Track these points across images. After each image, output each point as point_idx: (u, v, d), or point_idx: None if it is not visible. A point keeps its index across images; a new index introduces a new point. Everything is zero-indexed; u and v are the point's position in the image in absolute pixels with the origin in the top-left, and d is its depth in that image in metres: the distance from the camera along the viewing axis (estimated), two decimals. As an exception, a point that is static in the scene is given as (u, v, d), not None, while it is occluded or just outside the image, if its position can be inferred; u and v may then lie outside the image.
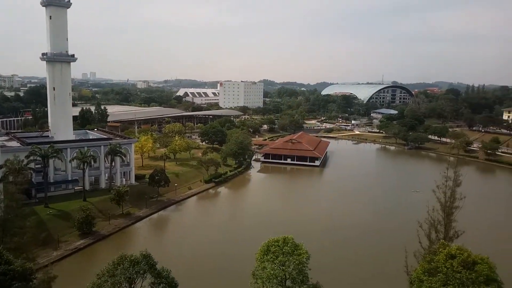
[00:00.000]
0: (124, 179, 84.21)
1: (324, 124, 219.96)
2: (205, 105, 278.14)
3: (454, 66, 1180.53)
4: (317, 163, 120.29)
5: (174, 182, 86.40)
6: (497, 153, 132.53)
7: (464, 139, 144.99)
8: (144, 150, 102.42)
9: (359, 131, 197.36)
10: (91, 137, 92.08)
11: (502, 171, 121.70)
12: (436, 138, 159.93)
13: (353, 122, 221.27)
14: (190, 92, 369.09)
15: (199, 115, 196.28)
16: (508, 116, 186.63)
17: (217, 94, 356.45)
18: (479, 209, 76.58)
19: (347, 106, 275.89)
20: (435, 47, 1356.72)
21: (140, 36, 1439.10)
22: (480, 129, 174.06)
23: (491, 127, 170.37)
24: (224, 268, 53.05)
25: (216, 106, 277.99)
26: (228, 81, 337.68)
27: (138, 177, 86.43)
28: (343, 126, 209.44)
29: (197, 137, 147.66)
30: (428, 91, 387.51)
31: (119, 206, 70.63)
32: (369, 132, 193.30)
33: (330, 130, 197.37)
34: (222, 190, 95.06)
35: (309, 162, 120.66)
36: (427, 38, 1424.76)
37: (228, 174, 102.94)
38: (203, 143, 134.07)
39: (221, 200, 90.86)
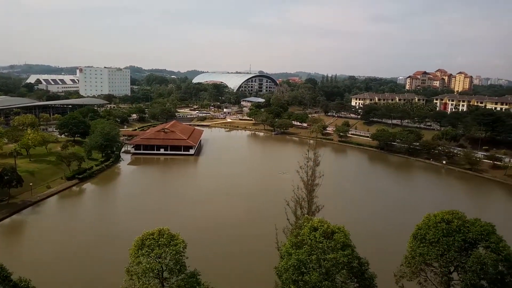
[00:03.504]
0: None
1: (196, 112, 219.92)
2: (63, 94, 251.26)
3: (311, 58, 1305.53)
4: (191, 151, 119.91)
5: (29, 181, 75.99)
6: (347, 135, 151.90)
7: (321, 124, 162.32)
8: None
9: (231, 119, 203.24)
10: None
11: (352, 150, 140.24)
12: (298, 123, 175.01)
13: (225, 110, 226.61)
14: (44, 79, 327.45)
15: (56, 104, 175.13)
16: (356, 103, 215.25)
17: (77, 81, 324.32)
18: (335, 184, 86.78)
19: (218, 94, 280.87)
20: (293, 39, 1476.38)
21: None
22: (334, 114, 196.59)
23: (343, 113, 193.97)
24: (95, 268, 49.15)
25: (76, 94, 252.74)
26: (89, 66, 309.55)
27: (-20, 179, 73.22)
28: (216, 115, 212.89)
29: (54, 130, 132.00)
30: (290, 81, 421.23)
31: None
32: (240, 119, 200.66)
33: (203, 119, 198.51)
34: (88, 186, 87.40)
35: (183, 151, 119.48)
36: (285, 30, 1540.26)
37: (94, 168, 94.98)
38: (62, 135, 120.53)
39: (87, 197, 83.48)
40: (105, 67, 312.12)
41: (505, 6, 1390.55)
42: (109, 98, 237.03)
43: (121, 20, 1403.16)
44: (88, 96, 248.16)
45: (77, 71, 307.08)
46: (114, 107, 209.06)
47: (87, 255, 53.03)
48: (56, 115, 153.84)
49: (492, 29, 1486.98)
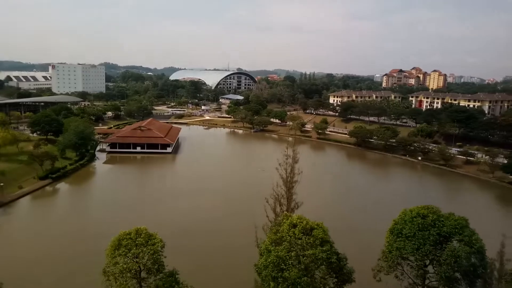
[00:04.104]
0: None
1: (174, 109, 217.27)
2: (35, 91, 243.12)
3: (289, 55, 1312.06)
4: (169, 149, 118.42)
5: (0, 182, 73.26)
6: (326, 132, 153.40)
7: (300, 121, 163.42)
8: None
9: (209, 116, 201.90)
10: None
11: (330, 147, 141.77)
12: (277, 121, 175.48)
13: (203, 107, 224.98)
14: (15, 76, 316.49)
15: (27, 102, 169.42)
16: (334, 100, 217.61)
17: (49, 78, 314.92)
18: (313, 180, 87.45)
19: (196, 91, 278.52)
20: (270, 36, 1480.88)
21: None
22: (313, 111, 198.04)
23: (321, 110, 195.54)
24: (69, 269, 47.83)
25: (48, 92, 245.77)
26: (62, 63, 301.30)
27: None
28: (194, 112, 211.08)
29: (25, 128, 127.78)
30: (269, 78, 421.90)
31: None
32: (218, 117, 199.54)
33: (181, 116, 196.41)
34: (62, 186, 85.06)
35: (160, 149, 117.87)
36: (262, 27, 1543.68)
37: (68, 168, 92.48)
38: (34, 134, 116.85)
39: (61, 197, 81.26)
40: (78, 64, 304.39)
41: (477, 6, 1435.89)
42: (83, 95, 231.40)
43: (95, 14, 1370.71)
44: (61, 94, 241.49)
45: (50, 68, 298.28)
46: (88, 104, 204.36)
47: (60, 256, 51.60)
48: (28, 113, 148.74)
49: (465, 28, 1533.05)
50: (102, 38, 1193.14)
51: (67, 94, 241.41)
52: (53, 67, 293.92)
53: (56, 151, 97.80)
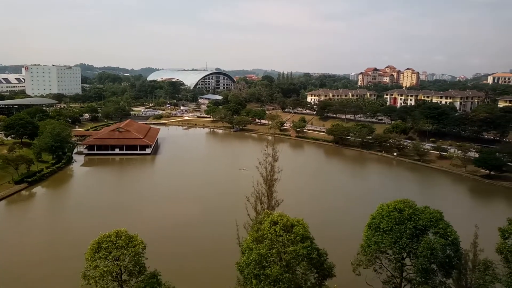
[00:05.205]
0: None
1: (148, 110, 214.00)
2: (8, 93, 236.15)
3: (267, 55, 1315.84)
4: (148, 150, 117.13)
5: (-29, 187, 71.03)
6: (304, 130, 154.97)
7: (279, 120, 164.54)
8: None
9: (188, 116, 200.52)
10: None
11: (309, 145, 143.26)
12: (256, 120, 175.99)
13: (182, 108, 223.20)
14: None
15: (0, 105, 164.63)
16: (311, 99, 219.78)
17: (23, 80, 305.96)
18: (293, 178, 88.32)
19: (174, 92, 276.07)
20: (246, 36, 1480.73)
21: None
22: (291, 110, 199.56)
23: (299, 109, 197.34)
24: (47, 274, 46.86)
25: (22, 94, 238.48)
26: (36, 65, 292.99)
27: None
28: (173, 113, 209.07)
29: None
30: (247, 78, 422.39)
31: None
32: (198, 117, 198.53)
33: (159, 117, 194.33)
34: (39, 190, 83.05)
35: (139, 150, 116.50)
36: (238, 27, 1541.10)
37: (45, 171, 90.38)
38: (8, 137, 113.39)
39: (38, 201, 79.26)
40: (53, 65, 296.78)
41: (447, 4, 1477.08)
42: (59, 97, 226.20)
43: (69, 15, 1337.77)
44: (36, 96, 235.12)
45: (23, 69, 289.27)
46: (64, 106, 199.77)
47: (37, 262, 50.37)
48: (1, 116, 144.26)
49: (436, 27, 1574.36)
50: (77, 39, 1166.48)
51: (42, 96, 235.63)
52: (27, 68, 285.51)
53: (32, 154, 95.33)
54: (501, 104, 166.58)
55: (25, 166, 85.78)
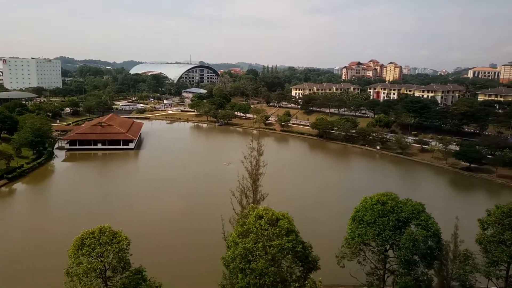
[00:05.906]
0: None
1: (129, 105, 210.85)
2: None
3: (251, 49, 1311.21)
4: (131, 145, 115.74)
5: None
6: (289, 124, 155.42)
7: (264, 114, 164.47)
8: None
9: (172, 110, 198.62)
10: None
11: (294, 139, 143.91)
12: (241, 114, 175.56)
13: (165, 101, 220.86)
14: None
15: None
16: (296, 93, 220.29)
17: (1, 74, 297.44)
18: (278, 172, 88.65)
19: (158, 85, 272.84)
20: (232, 29, 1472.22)
21: None
22: (276, 104, 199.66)
23: (284, 103, 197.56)
24: (28, 271, 46.02)
25: (0, 87, 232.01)
26: (14, 57, 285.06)
27: None
28: (157, 106, 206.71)
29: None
30: (232, 71, 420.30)
31: None
32: (182, 111, 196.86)
33: (142, 111, 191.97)
34: (19, 186, 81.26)
35: (122, 145, 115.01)
36: (224, 21, 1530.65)
37: (25, 167, 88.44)
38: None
39: (18, 197, 77.57)
40: (32, 58, 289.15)
41: (429, 0, 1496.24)
42: (39, 91, 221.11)
43: (49, 6, 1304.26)
44: (14, 90, 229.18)
45: (1, 62, 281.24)
46: (44, 100, 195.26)
47: (18, 259, 49.43)
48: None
49: (418, 22, 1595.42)
50: (57, 32, 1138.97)
51: (20, 90, 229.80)
52: (4, 61, 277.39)
53: (11, 149, 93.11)
54: (481, 98, 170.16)
55: (5, 162, 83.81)
